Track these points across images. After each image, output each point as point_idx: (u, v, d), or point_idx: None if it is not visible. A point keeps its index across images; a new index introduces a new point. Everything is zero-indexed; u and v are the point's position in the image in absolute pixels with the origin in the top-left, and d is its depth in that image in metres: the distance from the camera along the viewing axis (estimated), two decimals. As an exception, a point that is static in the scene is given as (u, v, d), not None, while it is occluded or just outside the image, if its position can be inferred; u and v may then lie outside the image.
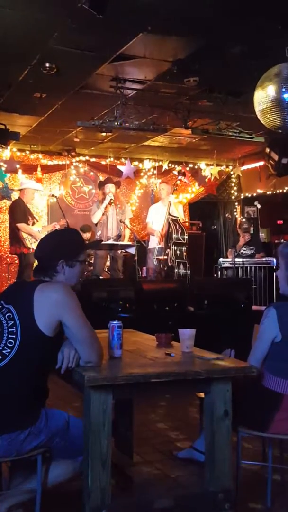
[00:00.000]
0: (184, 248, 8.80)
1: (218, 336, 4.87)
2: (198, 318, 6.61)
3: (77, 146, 10.83)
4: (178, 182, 9.92)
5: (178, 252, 8.71)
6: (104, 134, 9.17)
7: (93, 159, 11.55)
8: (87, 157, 11.47)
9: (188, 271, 8.67)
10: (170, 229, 8.77)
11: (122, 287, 6.71)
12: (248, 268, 9.50)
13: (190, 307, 6.93)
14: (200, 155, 11.58)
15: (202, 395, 2.94)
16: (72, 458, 2.69)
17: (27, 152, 10.87)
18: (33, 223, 8.69)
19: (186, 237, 8.84)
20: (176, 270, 8.58)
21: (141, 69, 6.86)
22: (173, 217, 8.90)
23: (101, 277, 8.80)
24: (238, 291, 7.08)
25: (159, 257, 8.89)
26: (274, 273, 3.08)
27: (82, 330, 2.60)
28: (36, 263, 2.93)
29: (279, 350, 2.97)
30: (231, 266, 9.56)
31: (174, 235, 8.72)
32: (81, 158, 11.38)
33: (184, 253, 8.78)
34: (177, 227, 8.79)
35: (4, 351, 2.54)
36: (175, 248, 8.71)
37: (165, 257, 8.78)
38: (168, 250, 8.76)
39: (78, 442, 2.60)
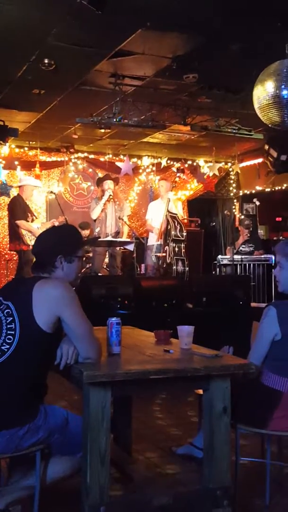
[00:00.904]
0: (182, 245, 8.79)
1: (216, 333, 4.86)
2: (196, 315, 6.62)
3: (75, 143, 10.82)
4: (177, 179, 9.91)
5: (176, 249, 8.70)
6: (102, 130, 9.12)
7: (91, 156, 11.53)
8: (85, 154, 11.45)
9: (187, 268, 8.67)
10: (169, 226, 8.76)
11: (121, 284, 6.71)
12: (247, 265, 9.51)
13: (188, 304, 6.94)
14: (199, 152, 11.56)
15: (201, 392, 2.94)
16: (71, 454, 2.69)
17: (26, 148, 10.85)
18: (32, 220, 8.68)
19: (184, 234, 8.83)
20: (175, 267, 8.57)
21: (140, 65, 6.84)
22: (171, 214, 8.90)
23: (99, 274, 8.79)
24: (237, 288, 7.09)
25: (158, 254, 8.88)
26: (273, 271, 3.07)
27: (81, 326, 2.60)
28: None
29: (279, 349, 2.97)
30: (229, 263, 9.56)
31: (173, 232, 8.71)
32: (80, 154, 11.36)
33: (183, 250, 8.78)
34: (176, 224, 8.79)
35: (2, 348, 2.54)
36: (174, 245, 8.70)
37: (164, 254, 8.77)
38: (166, 247, 8.75)
39: (77, 439, 2.60)
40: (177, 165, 11.62)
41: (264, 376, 3.03)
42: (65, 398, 4.79)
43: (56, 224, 8.61)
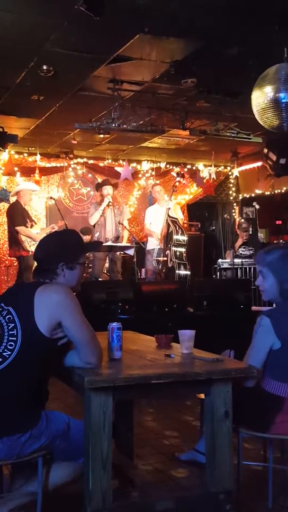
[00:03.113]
0: (184, 249, 8.80)
1: (217, 337, 4.86)
2: (197, 319, 6.61)
3: (75, 148, 10.84)
4: (177, 183, 9.93)
5: (178, 253, 8.71)
6: (102, 136, 9.15)
7: (91, 161, 11.55)
8: (85, 159, 11.47)
9: (189, 272, 8.68)
10: (170, 230, 8.77)
11: (121, 288, 6.70)
12: (247, 268, 9.51)
13: (189, 308, 6.93)
14: (198, 156, 11.57)
15: (202, 396, 2.93)
16: (72, 460, 2.68)
17: (25, 154, 10.87)
18: (32, 226, 8.69)
19: (186, 238, 8.84)
20: (177, 271, 8.58)
21: (139, 70, 6.85)
22: (172, 219, 8.91)
23: (100, 279, 8.79)
24: (237, 292, 7.09)
25: (159, 258, 8.88)
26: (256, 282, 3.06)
27: (82, 332, 2.60)
28: (35, 265, 2.92)
29: (279, 357, 2.95)
30: (230, 266, 9.57)
31: (175, 236, 8.72)
32: (79, 160, 11.38)
33: (184, 254, 8.78)
34: (177, 228, 8.80)
35: (4, 353, 2.54)
36: (175, 249, 8.71)
37: (165, 258, 8.77)
38: (168, 251, 8.76)
39: (79, 444, 2.60)
40: (177, 169, 11.64)
41: (265, 382, 3.02)
42: (66, 403, 4.78)
43: (56, 229, 8.60)
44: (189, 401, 5.09)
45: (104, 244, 8.49)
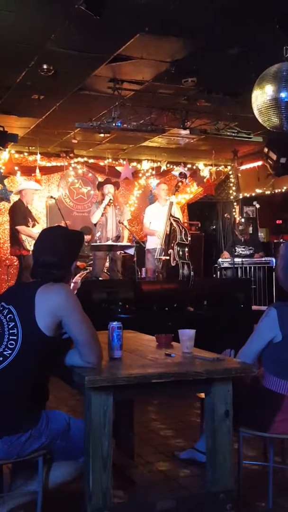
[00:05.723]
0: (186, 249, 8.80)
1: (218, 336, 4.86)
2: (198, 318, 6.60)
3: (75, 148, 10.84)
4: (180, 184, 9.91)
5: (180, 253, 8.70)
6: (102, 135, 9.15)
7: (91, 160, 11.55)
8: (85, 159, 11.47)
9: (192, 272, 8.67)
10: (173, 229, 8.76)
11: (122, 288, 6.69)
12: (247, 268, 9.51)
13: (189, 307, 6.92)
14: (199, 155, 11.58)
15: (202, 395, 2.94)
16: (73, 459, 2.68)
17: (26, 154, 10.87)
18: (33, 225, 8.69)
19: (189, 238, 8.84)
20: (181, 270, 8.57)
21: (139, 70, 6.86)
22: (174, 218, 8.90)
23: (100, 278, 8.79)
24: (237, 291, 7.07)
25: (161, 257, 8.88)
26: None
27: (83, 331, 2.60)
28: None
29: (279, 351, 2.97)
30: (230, 266, 9.56)
31: (179, 236, 8.71)
32: (80, 159, 11.39)
33: (187, 254, 8.78)
34: (181, 228, 8.79)
35: (5, 353, 2.54)
36: (178, 248, 8.70)
37: (167, 258, 8.76)
38: (171, 250, 8.75)
39: (79, 443, 2.60)
40: (177, 168, 11.62)
41: (265, 379, 3.02)
42: (67, 402, 4.79)
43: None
44: (190, 400, 5.09)
45: (104, 244, 8.50)
